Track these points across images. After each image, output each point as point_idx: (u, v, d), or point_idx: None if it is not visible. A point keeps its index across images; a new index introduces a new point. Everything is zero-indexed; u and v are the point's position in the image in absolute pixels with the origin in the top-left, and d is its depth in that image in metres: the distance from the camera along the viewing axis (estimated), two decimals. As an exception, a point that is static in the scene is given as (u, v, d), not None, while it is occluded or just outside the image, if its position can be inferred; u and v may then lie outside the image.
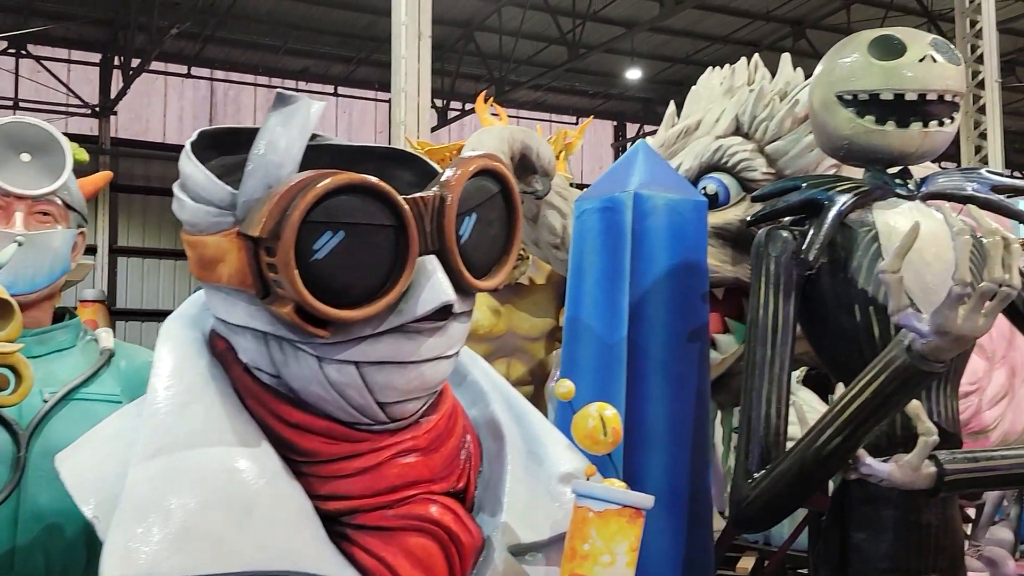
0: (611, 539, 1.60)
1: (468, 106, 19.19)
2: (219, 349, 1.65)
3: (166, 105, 18.20)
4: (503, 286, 3.40)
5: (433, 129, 18.78)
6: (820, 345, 1.95)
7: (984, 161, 7.15)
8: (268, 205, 1.43)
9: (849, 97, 1.91)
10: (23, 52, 16.82)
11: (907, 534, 1.82)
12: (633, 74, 17.40)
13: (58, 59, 17.17)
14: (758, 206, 2.08)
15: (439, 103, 18.90)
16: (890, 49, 1.90)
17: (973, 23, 7.29)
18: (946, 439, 1.84)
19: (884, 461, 1.71)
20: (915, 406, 1.69)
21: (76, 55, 17.32)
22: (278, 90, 1.59)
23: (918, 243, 1.85)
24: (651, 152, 2.29)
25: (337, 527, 1.59)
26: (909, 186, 1.94)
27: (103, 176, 3.80)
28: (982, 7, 7.20)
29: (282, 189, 1.44)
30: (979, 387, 2.36)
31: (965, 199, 1.96)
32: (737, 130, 2.58)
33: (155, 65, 17.79)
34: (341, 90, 19.50)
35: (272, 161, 1.51)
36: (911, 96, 1.85)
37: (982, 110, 7.14)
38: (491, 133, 2.56)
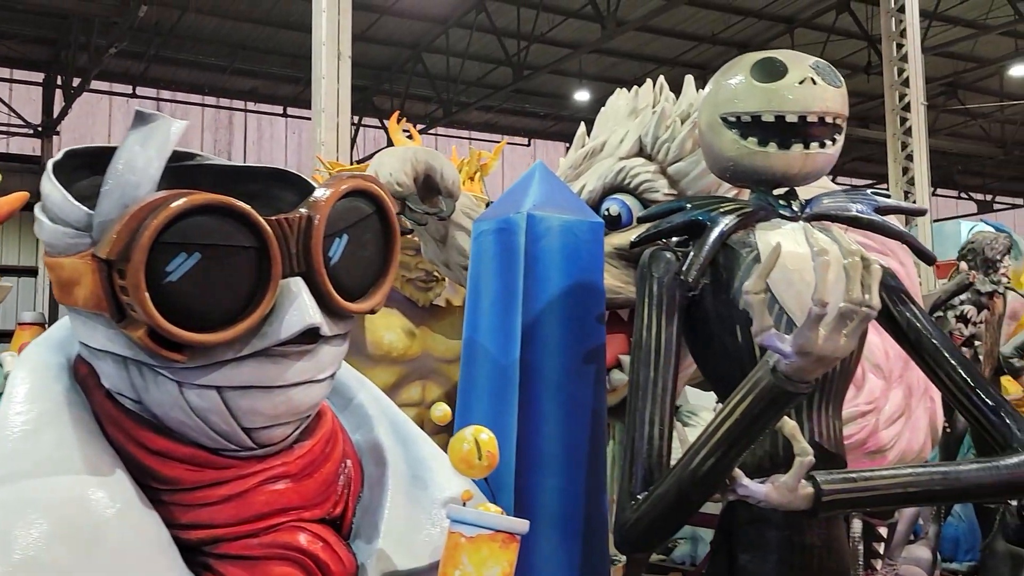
0: (482, 565, 1.58)
1: (418, 127, 19.18)
2: (81, 374, 1.61)
3: (111, 125, 17.97)
4: (424, 306, 3.39)
5: (378, 151, 18.77)
6: (705, 365, 1.95)
7: (911, 182, 7.26)
8: (119, 225, 1.40)
9: (733, 119, 1.92)
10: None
11: (791, 555, 1.82)
12: (582, 96, 17.52)
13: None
14: None
15: (386, 124, 18.88)
16: (772, 71, 1.91)
17: (899, 46, 7.43)
18: (829, 459, 1.85)
19: (761, 482, 1.72)
20: (791, 427, 1.69)
21: (18, 74, 17.05)
22: (136, 108, 1.56)
23: (799, 264, 1.87)
24: (547, 173, 2.29)
25: (199, 557, 1.56)
26: (794, 207, 1.96)
27: (17, 197, 3.71)
28: (907, 31, 7.33)
29: (134, 209, 1.41)
30: (876, 407, 2.38)
31: (849, 220, 1.98)
32: (640, 151, 2.59)
33: (100, 84, 17.58)
34: (290, 111, 19.40)
35: (129, 181, 1.48)
36: (792, 118, 1.87)
37: (909, 132, 7.26)
38: (393, 154, 2.55)
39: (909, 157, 7.29)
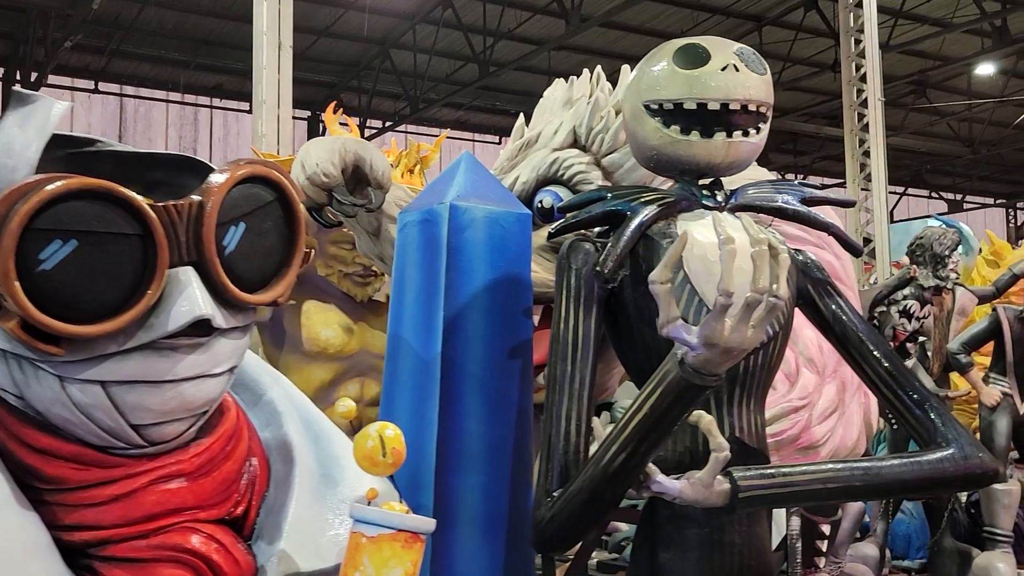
0: (383, 565, 1.53)
1: (387, 123, 19.07)
2: None
3: (72, 120, 17.70)
4: (362, 302, 3.32)
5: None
6: (627, 359, 1.90)
7: (868, 178, 7.26)
8: None
9: (655, 106, 1.87)
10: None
11: (711, 553, 1.78)
12: (550, 93, 17.46)
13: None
14: None
15: (356, 121, 18.75)
16: (695, 58, 1.86)
17: (857, 42, 7.41)
18: (750, 455, 1.80)
19: (677, 478, 1.67)
20: (707, 421, 1.65)
21: (-22, 69, 16.79)
22: (15, 89, 1.49)
23: (716, 256, 1.83)
24: (474, 163, 2.23)
25: (83, 559, 1.49)
26: (718, 197, 1.91)
27: None
28: (865, 27, 7.31)
29: (4, 193, 1.34)
30: (809, 402, 2.34)
31: (774, 211, 1.94)
32: (575, 142, 2.54)
33: (61, 80, 17.32)
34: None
35: (5, 164, 1.42)
36: (714, 106, 1.82)
37: (866, 128, 7.25)
38: (320, 143, 2.48)
39: (866, 154, 7.29)
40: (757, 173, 2.79)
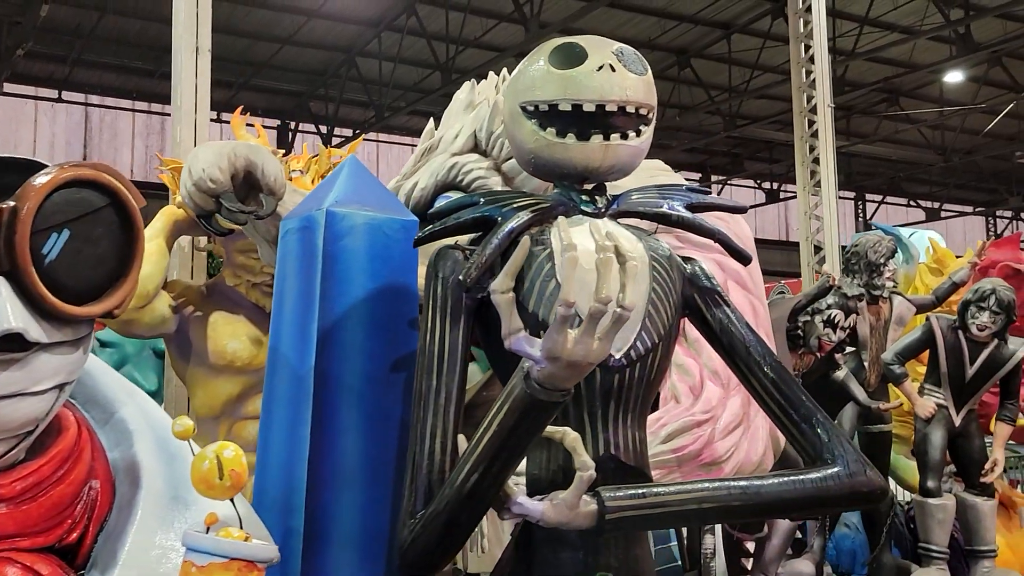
0: (213, 595, 1.43)
1: (356, 131, 18.94)
2: None
3: (36, 129, 17.51)
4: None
5: (315, 156, 18.48)
6: (499, 371, 1.81)
7: (818, 185, 7.21)
8: None
9: (531, 108, 1.79)
10: None
11: (587, 577, 1.69)
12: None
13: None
14: None
15: (323, 129, 18.61)
16: (571, 58, 1.78)
17: (807, 47, 7.35)
18: (628, 473, 1.72)
19: (541, 499, 1.58)
20: (572, 438, 1.56)
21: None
22: None
23: (592, 263, 1.74)
24: (358, 168, 2.14)
25: None
26: (599, 203, 1.83)
27: None
28: (814, 33, 7.25)
29: None
30: (713, 415, 2.26)
31: (658, 217, 1.86)
32: (475, 147, 2.46)
33: (24, 89, 17.11)
34: (224, 115, 19.04)
35: None
36: (589, 107, 1.74)
37: (816, 135, 7.18)
38: (209, 147, 2.38)
39: (816, 160, 7.21)
40: (672, 178, 2.72)
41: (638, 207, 1.85)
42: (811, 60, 7.25)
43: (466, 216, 1.74)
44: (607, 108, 1.74)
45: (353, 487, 1.95)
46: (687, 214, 1.85)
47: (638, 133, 1.80)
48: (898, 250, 6.15)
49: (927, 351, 4.91)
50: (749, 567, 4.00)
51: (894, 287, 5.44)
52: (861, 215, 26.74)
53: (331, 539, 1.93)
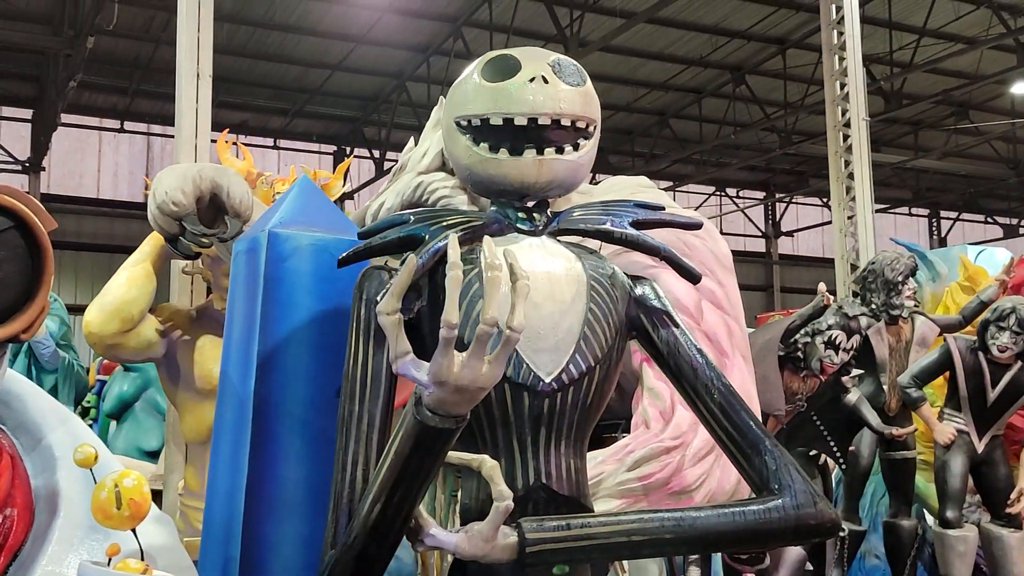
0: (103, 631, 1.38)
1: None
2: None
3: (100, 159, 17.99)
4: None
5: (369, 182, 18.67)
6: (428, 396, 1.74)
7: (853, 201, 6.97)
8: None
9: (464, 123, 1.72)
10: (-49, 109, 16.67)
11: (522, 613, 1.60)
12: (567, 122, 17.34)
13: (-11, 116, 17.01)
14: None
15: (376, 154, 18.76)
16: (504, 70, 1.71)
17: (841, 59, 7.11)
18: (561, 503, 1.63)
19: (456, 531, 1.50)
20: (489, 467, 1.49)
21: (7, 111, 17.12)
22: None
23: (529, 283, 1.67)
24: (308, 187, 2.10)
25: None
26: (537, 221, 1.75)
27: None
28: (847, 44, 7.01)
29: None
30: (683, 442, 2.15)
31: (600, 234, 1.78)
32: (442, 165, 2.40)
33: (89, 120, 17.61)
34: (281, 142, 19.39)
35: None
36: (521, 121, 1.66)
37: (850, 149, 6.91)
38: (174, 171, 2.37)
39: (851, 176, 6.97)
40: (654, 194, 2.63)
41: (579, 224, 1.77)
42: (844, 73, 7.02)
43: (392, 235, 1.68)
44: (540, 122, 1.67)
45: (294, 517, 1.89)
46: (631, 231, 1.77)
47: (576, 147, 1.72)
48: (922, 268, 5.89)
49: (945, 373, 4.69)
50: None
51: (915, 307, 5.20)
52: (935, 232, 26.01)
53: (271, 570, 1.87)
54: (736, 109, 17.50)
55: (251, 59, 15.16)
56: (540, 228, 1.75)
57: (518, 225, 1.74)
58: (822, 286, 4.07)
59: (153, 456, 4.96)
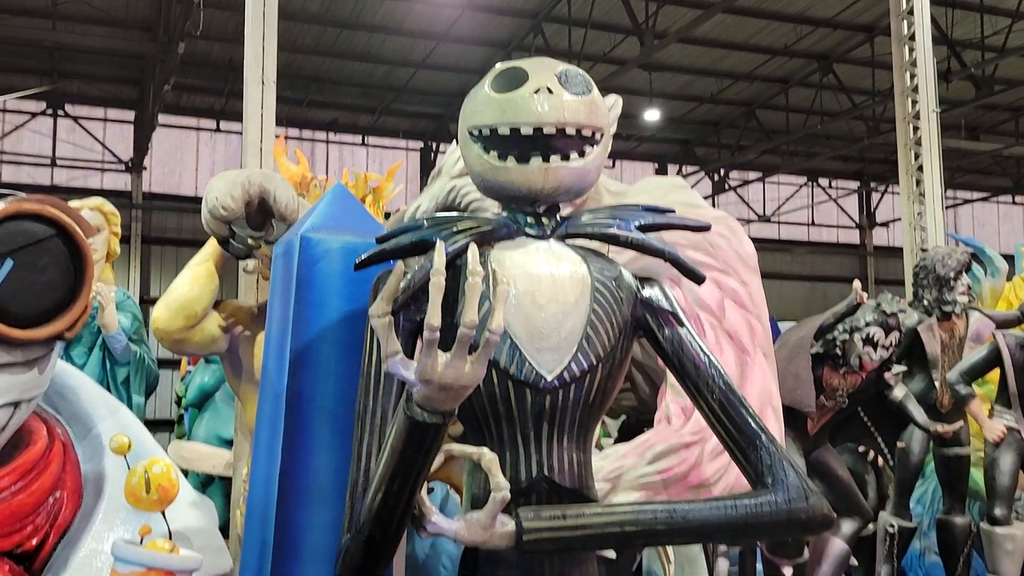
0: (131, 603, 1.52)
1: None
2: None
3: (198, 159, 18.64)
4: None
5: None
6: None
7: (922, 195, 6.77)
8: None
9: (476, 132, 1.82)
10: (60, 112, 17.45)
11: (521, 597, 1.69)
12: (651, 115, 17.29)
13: (94, 118, 17.75)
14: None
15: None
16: (512, 81, 1.80)
17: (910, 50, 6.90)
18: (564, 495, 1.71)
19: (457, 519, 1.60)
20: (488, 459, 1.58)
21: (111, 113, 17.89)
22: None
23: (531, 285, 1.75)
24: (341, 194, 2.22)
25: None
26: (546, 226, 1.83)
27: None
28: (916, 35, 6.81)
29: None
30: (701, 437, 2.20)
31: (607, 238, 1.85)
32: (476, 170, 2.49)
33: (187, 121, 18.27)
34: (370, 140, 19.77)
35: None
36: (527, 130, 1.75)
37: (920, 142, 6.74)
38: (224, 177, 2.53)
39: (921, 168, 6.77)
40: (688, 194, 2.68)
41: (587, 228, 1.85)
42: (914, 64, 6.84)
43: (405, 240, 1.78)
44: (545, 131, 1.75)
45: (325, 505, 2.01)
46: (637, 234, 1.83)
47: (582, 154, 1.80)
48: (979, 262, 5.74)
49: (994, 370, 4.58)
50: None
51: (970, 302, 5.07)
52: (1039, 223, 25.04)
53: (302, 554, 2.00)
54: (824, 98, 17.15)
55: (339, 59, 15.51)
56: (549, 232, 1.83)
57: (527, 230, 1.83)
58: (857, 284, 4.04)
59: (231, 444, 5.20)
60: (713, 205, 23.42)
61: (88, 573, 1.69)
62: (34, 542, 1.72)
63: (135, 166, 17.54)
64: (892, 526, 4.85)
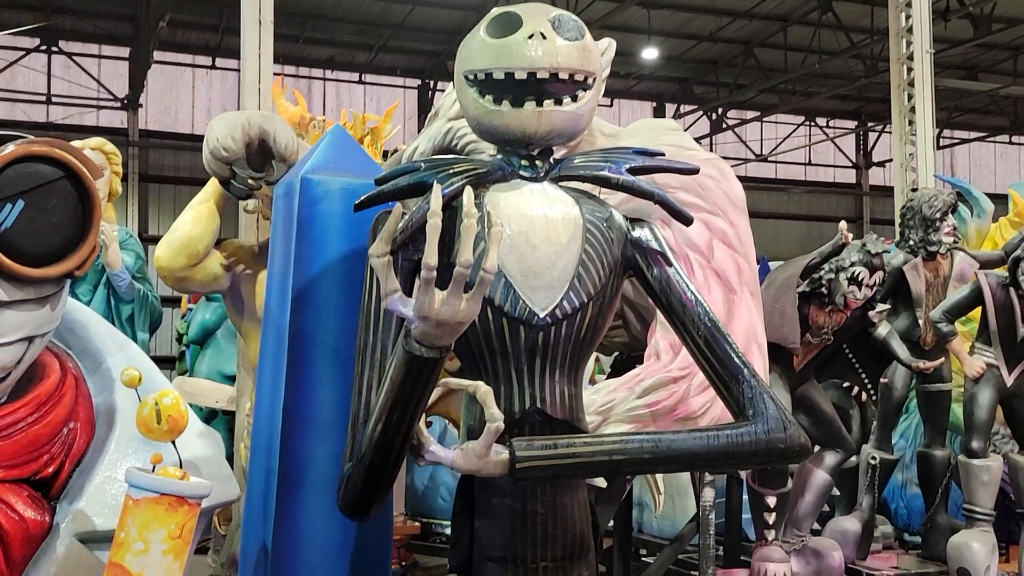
0: (145, 527, 1.61)
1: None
2: None
3: (194, 96, 18.51)
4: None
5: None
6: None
7: (914, 136, 6.81)
8: None
9: (471, 77, 1.87)
10: (55, 49, 17.27)
11: (514, 522, 1.79)
12: (650, 53, 17.15)
13: (88, 55, 17.58)
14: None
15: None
16: (506, 26, 1.85)
17: None
18: (555, 426, 1.80)
19: (453, 448, 1.69)
20: (483, 392, 1.66)
21: (106, 50, 17.71)
22: None
23: (525, 226, 1.82)
24: (341, 135, 2.27)
25: None
26: (539, 168, 1.89)
27: None
28: None
29: None
30: (689, 372, 2.29)
31: (598, 180, 1.91)
32: (472, 112, 2.54)
33: (182, 58, 18.10)
34: (367, 77, 19.61)
35: None
36: (520, 75, 1.80)
37: (912, 83, 6.74)
38: (224, 119, 2.57)
39: (913, 110, 6.80)
40: (681, 136, 2.73)
41: (579, 171, 1.91)
42: (908, 4, 6.81)
43: (403, 182, 1.84)
44: (538, 75, 1.80)
45: (328, 437, 2.10)
46: (628, 177, 1.89)
47: (574, 98, 1.85)
48: (966, 203, 5.81)
49: (976, 308, 4.68)
50: (771, 522, 3.97)
51: (955, 243, 5.17)
52: (1038, 162, 24.99)
53: (306, 483, 2.09)
54: (822, 37, 17.00)
55: (337, -5, 15.35)
56: (542, 175, 1.89)
57: (521, 172, 1.89)
58: (843, 224, 4.11)
59: (234, 380, 5.31)
60: (711, 144, 23.20)
61: (102, 499, 1.78)
62: (51, 470, 1.80)
63: (131, 103, 17.41)
64: (874, 458, 5.02)
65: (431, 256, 1.46)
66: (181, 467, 1.70)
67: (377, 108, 20.84)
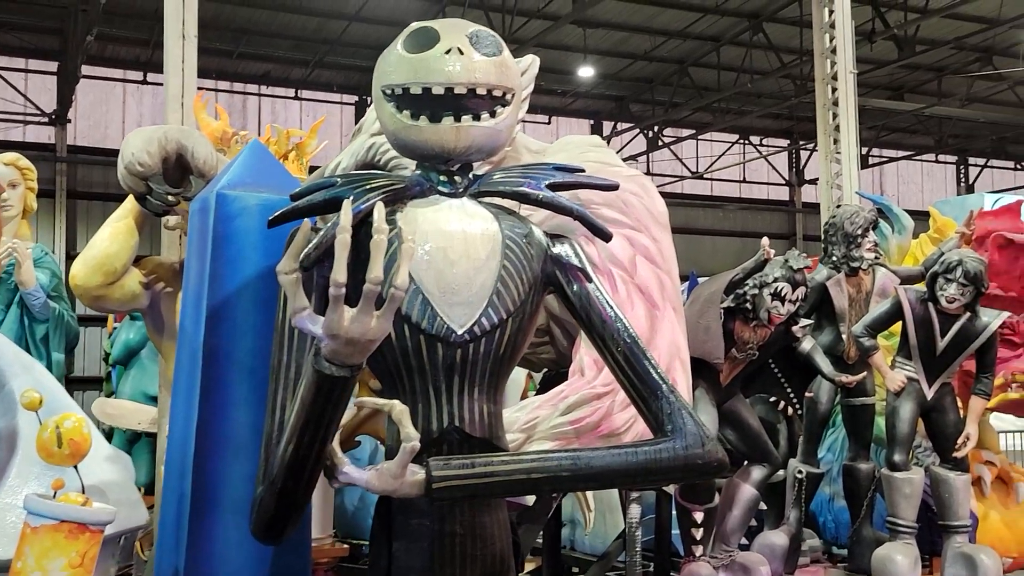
0: (44, 556, 1.56)
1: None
2: None
3: (124, 111, 18.18)
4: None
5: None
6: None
7: (839, 155, 6.98)
8: None
9: (389, 92, 1.85)
10: (-22, 62, 16.86)
11: (433, 544, 1.76)
12: (585, 72, 17.30)
13: (15, 68, 17.17)
14: None
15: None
16: (424, 41, 1.83)
17: (830, 12, 7.04)
18: (474, 445, 1.78)
19: (367, 469, 1.66)
20: (398, 411, 1.63)
21: (33, 64, 17.31)
22: None
23: (443, 242, 1.80)
24: (259, 150, 2.23)
25: None
26: (458, 184, 1.88)
27: None
28: None
29: None
30: (613, 388, 2.28)
31: (518, 196, 1.90)
32: (395, 127, 2.51)
33: (112, 72, 17.76)
34: (303, 93, 19.45)
35: None
36: (438, 90, 1.79)
37: (837, 103, 6.91)
38: (141, 133, 2.51)
39: (838, 128, 6.95)
40: (605, 153, 2.74)
41: (498, 187, 1.90)
42: (832, 26, 6.98)
43: (318, 198, 1.81)
44: (456, 91, 1.79)
45: (243, 458, 2.04)
46: (547, 193, 1.88)
47: (493, 114, 1.84)
48: (887, 220, 5.96)
49: (897, 323, 4.80)
50: (698, 537, 4.00)
51: (877, 259, 5.30)
52: (963, 180, 25.68)
53: (221, 505, 2.03)
54: (754, 57, 17.32)
55: (271, 10, 15.20)
56: (461, 190, 1.88)
57: (440, 188, 1.87)
58: (765, 241, 4.18)
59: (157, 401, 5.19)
60: (647, 162, 23.37)
61: (2, 528, 1.71)
62: (-54, 497, 1.72)
63: (59, 118, 17.02)
64: (801, 472, 5.09)
65: (339, 272, 1.43)
66: (84, 492, 1.64)
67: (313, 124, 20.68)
